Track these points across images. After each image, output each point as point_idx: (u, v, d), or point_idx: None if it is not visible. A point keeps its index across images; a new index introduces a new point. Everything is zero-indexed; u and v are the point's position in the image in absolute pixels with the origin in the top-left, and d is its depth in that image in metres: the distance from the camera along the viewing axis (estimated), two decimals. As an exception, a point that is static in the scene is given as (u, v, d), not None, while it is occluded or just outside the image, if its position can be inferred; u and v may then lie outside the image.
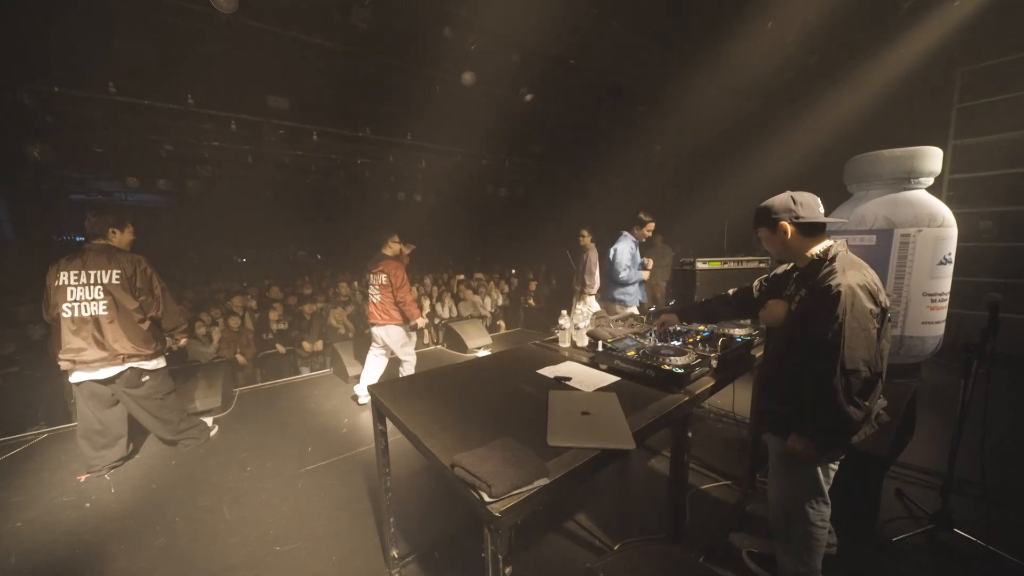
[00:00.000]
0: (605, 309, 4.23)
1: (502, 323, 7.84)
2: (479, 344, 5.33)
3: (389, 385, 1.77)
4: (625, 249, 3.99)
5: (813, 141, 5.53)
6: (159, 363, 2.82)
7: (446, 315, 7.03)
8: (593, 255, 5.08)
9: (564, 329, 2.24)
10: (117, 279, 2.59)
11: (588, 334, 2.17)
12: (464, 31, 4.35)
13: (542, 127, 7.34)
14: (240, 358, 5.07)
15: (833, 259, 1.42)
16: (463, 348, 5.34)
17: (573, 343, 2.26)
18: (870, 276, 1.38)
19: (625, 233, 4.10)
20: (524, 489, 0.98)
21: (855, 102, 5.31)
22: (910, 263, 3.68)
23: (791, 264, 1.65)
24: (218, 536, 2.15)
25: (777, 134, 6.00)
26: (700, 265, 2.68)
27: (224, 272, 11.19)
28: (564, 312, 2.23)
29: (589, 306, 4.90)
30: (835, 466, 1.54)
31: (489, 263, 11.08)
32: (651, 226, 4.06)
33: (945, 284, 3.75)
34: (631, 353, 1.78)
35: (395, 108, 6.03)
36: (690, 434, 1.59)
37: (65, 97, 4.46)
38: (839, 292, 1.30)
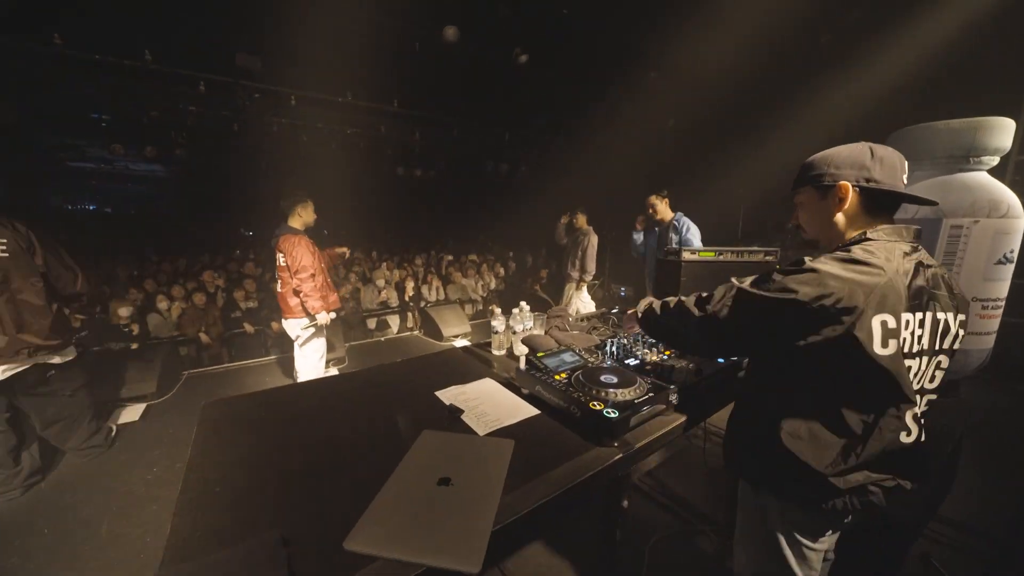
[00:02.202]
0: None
1: (496, 307, 7.41)
2: (456, 332, 4.92)
3: (224, 406, 1.33)
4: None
5: (847, 115, 4.73)
6: (65, 355, 2.33)
7: (432, 298, 6.62)
8: (593, 239, 4.56)
9: (498, 333, 1.76)
10: (4, 250, 2.10)
11: (524, 342, 1.69)
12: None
13: (542, 97, 6.67)
14: (204, 336, 4.79)
15: (855, 243, 0.92)
16: (439, 336, 4.93)
17: (510, 351, 1.78)
18: (894, 287, 0.83)
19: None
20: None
21: (901, 66, 4.47)
22: (959, 261, 3.00)
23: None
24: (78, 559, 1.82)
25: (806, 107, 5.19)
26: (687, 256, 2.14)
27: (232, 245, 10.98)
28: (496, 309, 1.75)
29: (583, 299, 4.42)
30: (815, 544, 1.01)
31: (487, 244, 10.56)
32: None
33: (1002, 288, 3.06)
34: (560, 377, 1.29)
35: (377, 70, 5.47)
36: (625, 503, 1.12)
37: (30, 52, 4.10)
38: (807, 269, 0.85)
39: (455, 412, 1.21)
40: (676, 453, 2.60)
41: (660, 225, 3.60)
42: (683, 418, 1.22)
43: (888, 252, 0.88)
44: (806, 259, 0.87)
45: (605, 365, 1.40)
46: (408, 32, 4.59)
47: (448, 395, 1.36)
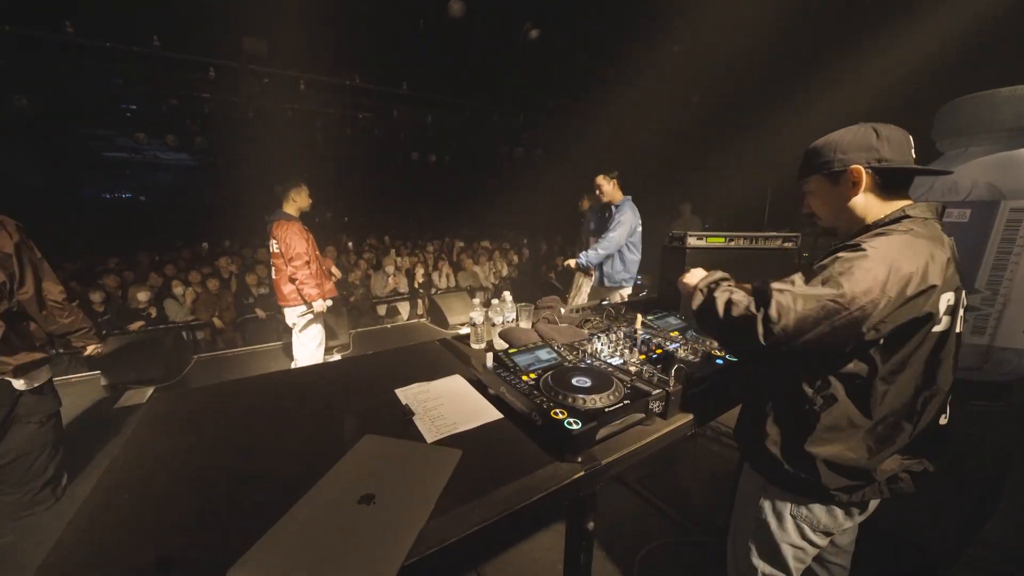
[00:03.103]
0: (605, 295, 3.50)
1: (508, 295, 7.29)
2: (462, 320, 4.83)
3: (172, 399, 1.26)
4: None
5: (889, 84, 4.26)
6: (35, 379, 1.86)
7: (443, 285, 6.56)
8: None
9: (476, 325, 1.63)
10: None
11: (501, 335, 1.55)
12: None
13: (557, 76, 6.37)
14: (217, 321, 4.90)
15: (895, 220, 0.89)
16: (445, 324, 4.86)
17: (489, 344, 1.65)
18: (935, 263, 0.80)
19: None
20: None
21: (949, 29, 3.95)
22: (1019, 249, 2.66)
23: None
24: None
25: (841, 81, 4.72)
26: (693, 242, 1.93)
27: (253, 232, 11.23)
28: (474, 301, 1.61)
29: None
30: (813, 536, 0.99)
31: (502, 231, 10.38)
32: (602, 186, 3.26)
33: (1069, 281, 2.71)
34: (528, 377, 1.15)
35: (384, 52, 5.33)
36: (591, 525, 0.98)
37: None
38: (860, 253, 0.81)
39: (407, 414, 1.10)
40: (678, 452, 2.43)
41: (607, 208, 3.35)
42: (667, 428, 1.07)
43: (932, 229, 0.88)
44: (864, 246, 0.82)
45: (583, 365, 1.25)
46: (413, 9, 4.41)
47: (408, 393, 1.25)
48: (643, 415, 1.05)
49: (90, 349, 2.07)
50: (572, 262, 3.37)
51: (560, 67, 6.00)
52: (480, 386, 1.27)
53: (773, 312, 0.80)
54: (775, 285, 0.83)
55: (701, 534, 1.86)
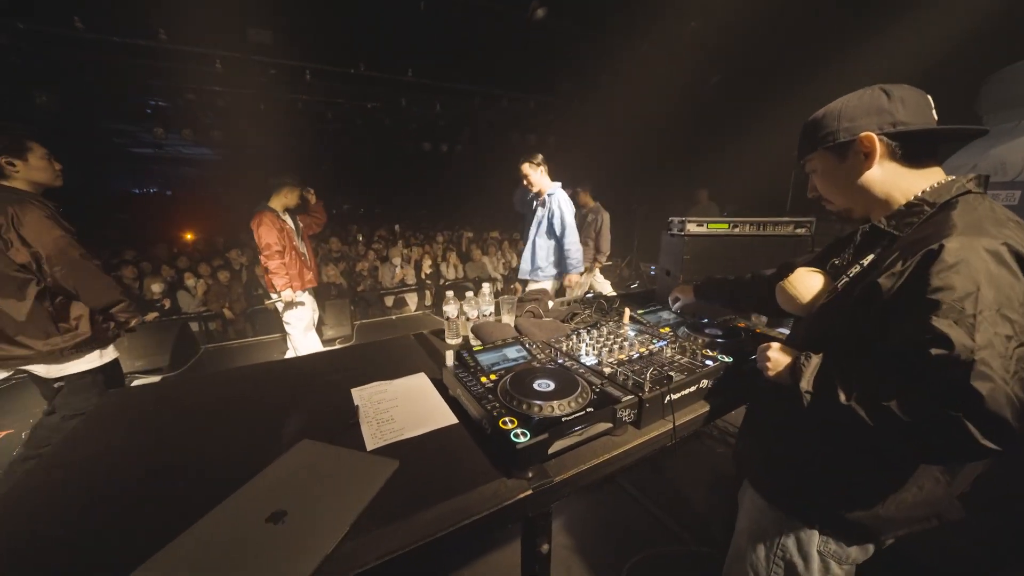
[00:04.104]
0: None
1: (517, 286, 7.19)
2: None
3: (121, 396, 1.22)
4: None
5: (928, 53, 3.86)
6: (79, 363, 1.80)
7: (451, 276, 6.50)
8: (605, 216, 4.20)
9: (450, 319, 1.53)
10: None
11: (473, 331, 1.45)
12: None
13: (567, 59, 6.12)
14: (227, 312, 4.98)
15: (949, 204, 0.73)
16: (449, 316, 4.81)
17: (466, 340, 1.55)
18: (1019, 237, 0.65)
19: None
20: None
21: None
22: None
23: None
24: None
25: (872, 55, 4.32)
26: (693, 229, 1.75)
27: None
28: (449, 294, 1.51)
29: (598, 280, 4.10)
30: (839, 570, 0.85)
31: (517, 220, 10.22)
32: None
33: None
34: (487, 379, 1.04)
35: (386, 38, 5.22)
36: (546, 548, 0.87)
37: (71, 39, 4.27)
38: (964, 257, 0.62)
39: (351, 420, 1.01)
40: (679, 450, 2.29)
41: (537, 199, 3.01)
42: (639, 440, 0.94)
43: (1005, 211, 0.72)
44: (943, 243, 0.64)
45: (551, 365, 1.13)
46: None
47: (365, 393, 1.16)
48: (608, 424, 0.93)
49: (133, 322, 2.01)
50: (572, 280, 3.04)
51: (570, 48, 5.76)
52: (442, 387, 1.17)
53: (990, 405, 0.55)
54: (981, 354, 0.57)
55: (697, 545, 1.73)
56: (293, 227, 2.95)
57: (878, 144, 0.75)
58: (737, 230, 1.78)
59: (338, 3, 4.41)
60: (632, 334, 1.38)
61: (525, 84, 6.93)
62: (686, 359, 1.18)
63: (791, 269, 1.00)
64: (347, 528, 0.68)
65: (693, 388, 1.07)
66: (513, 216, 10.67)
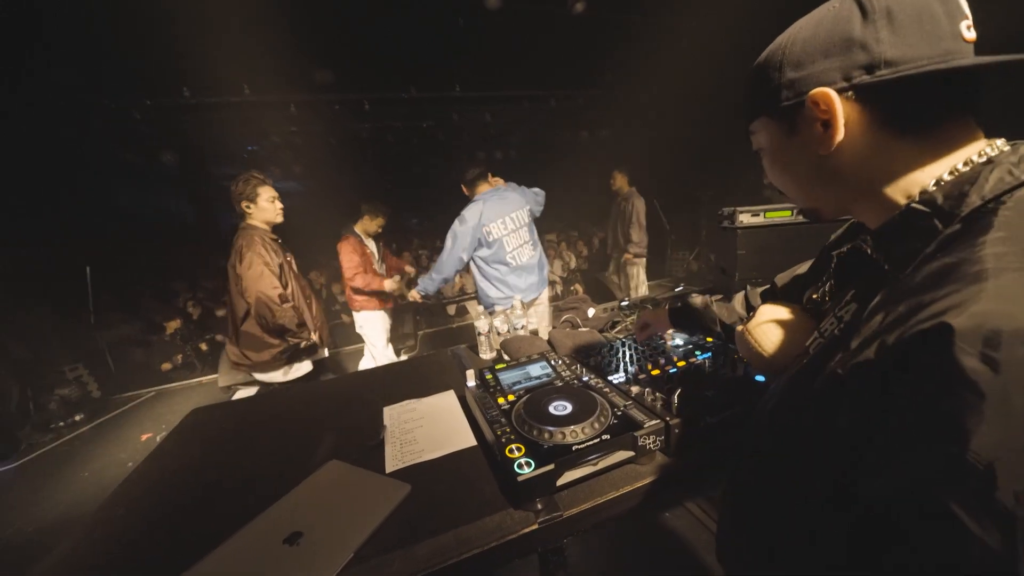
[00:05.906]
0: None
1: (579, 287, 7.04)
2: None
3: (202, 414, 1.39)
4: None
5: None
6: (266, 375, 2.20)
7: (509, 282, 6.56)
8: (639, 204, 3.94)
9: (481, 335, 1.52)
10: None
11: (502, 346, 1.43)
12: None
13: (610, 49, 5.88)
14: (312, 328, 5.54)
15: (984, 214, 0.38)
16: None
17: (499, 354, 1.54)
18: None
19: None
20: None
21: None
22: None
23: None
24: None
25: None
26: (746, 219, 1.54)
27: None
28: (479, 308, 1.50)
29: (639, 276, 3.85)
30: None
31: (576, 220, 10.02)
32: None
33: None
34: (504, 400, 1.02)
35: (431, 58, 5.46)
36: (560, 579, 0.82)
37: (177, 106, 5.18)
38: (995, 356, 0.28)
39: (373, 442, 1.05)
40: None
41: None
42: (665, 472, 0.85)
43: None
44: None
45: (575, 383, 1.07)
46: (450, 6, 4.42)
47: (395, 411, 1.20)
48: (631, 453, 0.85)
49: (304, 344, 2.27)
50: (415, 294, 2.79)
51: (610, 40, 5.52)
52: (467, 405, 1.17)
53: None
54: None
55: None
56: (375, 252, 3.18)
57: (839, 105, 0.43)
58: (802, 218, 1.54)
59: (383, 35, 4.71)
60: (676, 344, 1.26)
61: (571, 81, 6.80)
62: (733, 377, 1.04)
63: (767, 298, 0.76)
64: (351, 554, 0.70)
65: (735, 409, 0.94)
66: (568, 217, 10.47)
